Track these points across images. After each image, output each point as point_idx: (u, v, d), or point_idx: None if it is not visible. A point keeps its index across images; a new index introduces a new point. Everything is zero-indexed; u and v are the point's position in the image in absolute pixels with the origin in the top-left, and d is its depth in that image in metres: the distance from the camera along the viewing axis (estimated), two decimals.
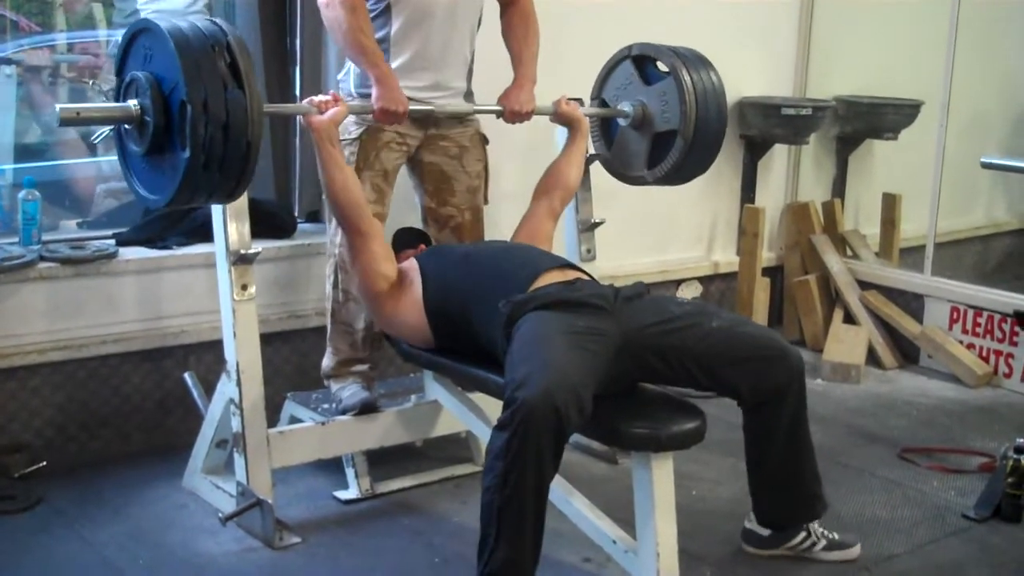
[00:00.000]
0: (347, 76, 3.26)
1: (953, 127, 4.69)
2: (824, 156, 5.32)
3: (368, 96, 3.07)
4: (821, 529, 2.93)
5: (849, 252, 5.11)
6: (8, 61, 3.81)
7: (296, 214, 3.89)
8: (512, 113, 3.26)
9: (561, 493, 2.72)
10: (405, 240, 3.29)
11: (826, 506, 2.95)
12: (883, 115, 5.19)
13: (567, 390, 2.40)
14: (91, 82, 3.97)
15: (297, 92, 3.79)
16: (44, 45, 4.00)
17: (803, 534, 2.91)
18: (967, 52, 4.69)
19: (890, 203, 5.21)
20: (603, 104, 3.55)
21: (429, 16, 3.15)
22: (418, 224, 3.43)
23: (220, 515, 2.98)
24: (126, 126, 2.58)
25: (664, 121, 3.39)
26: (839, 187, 5.31)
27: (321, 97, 2.90)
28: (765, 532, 2.95)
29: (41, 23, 4.01)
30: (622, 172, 3.57)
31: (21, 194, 3.38)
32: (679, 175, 3.47)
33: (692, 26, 4.65)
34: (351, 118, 3.18)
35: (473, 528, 3.00)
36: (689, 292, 4.81)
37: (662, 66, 3.42)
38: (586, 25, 4.28)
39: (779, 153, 5.12)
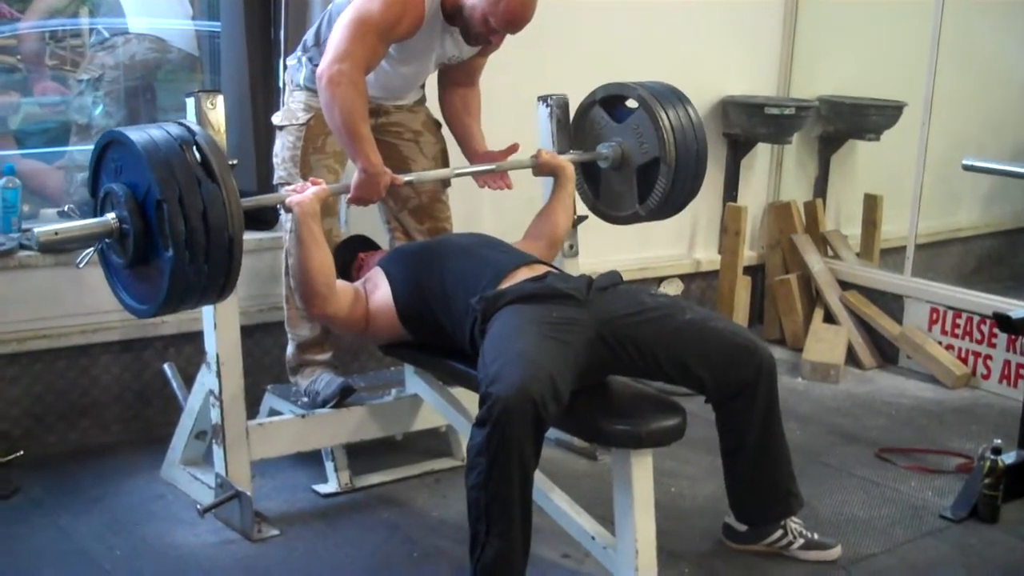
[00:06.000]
0: (299, 65, 3.25)
1: (935, 129, 4.70)
2: (807, 156, 5.33)
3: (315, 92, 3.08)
4: (799, 528, 2.94)
5: (830, 252, 5.12)
6: None
7: (278, 206, 3.87)
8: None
9: (541, 489, 2.72)
10: (355, 248, 3.28)
11: (802, 503, 2.95)
12: (866, 116, 5.20)
13: (541, 380, 2.42)
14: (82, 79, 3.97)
15: (280, 84, 3.78)
16: (23, 32, 3.98)
17: (780, 531, 2.92)
18: (950, 54, 4.70)
19: (871, 204, 5.23)
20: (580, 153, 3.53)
21: (411, 61, 3.17)
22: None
23: (198, 507, 2.98)
24: (107, 240, 2.55)
25: (643, 153, 3.38)
26: (821, 187, 5.33)
27: (298, 184, 2.93)
28: (742, 528, 2.96)
29: (21, 10, 3.97)
30: (615, 215, 3.56)
31: (1, 181, 3.36)
32: (672, 203, 3.46)
33: (677, 25, 4.67)
34: (300, 104, 3.21)
35: (452, 522, 3.03)
36: (671, 289, 4.82)
37: (631, 103, 3.42)
38: (570, 25, 4.28)
39: (762, 152, 5.13)
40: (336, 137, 3.03)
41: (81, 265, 2.69)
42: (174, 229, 2.40)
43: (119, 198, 2.48)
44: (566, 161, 3.37)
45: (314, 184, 2.89)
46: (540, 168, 3.35)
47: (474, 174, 3.33)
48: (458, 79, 3.39)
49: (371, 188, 2.96)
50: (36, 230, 2.48)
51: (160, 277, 2.48)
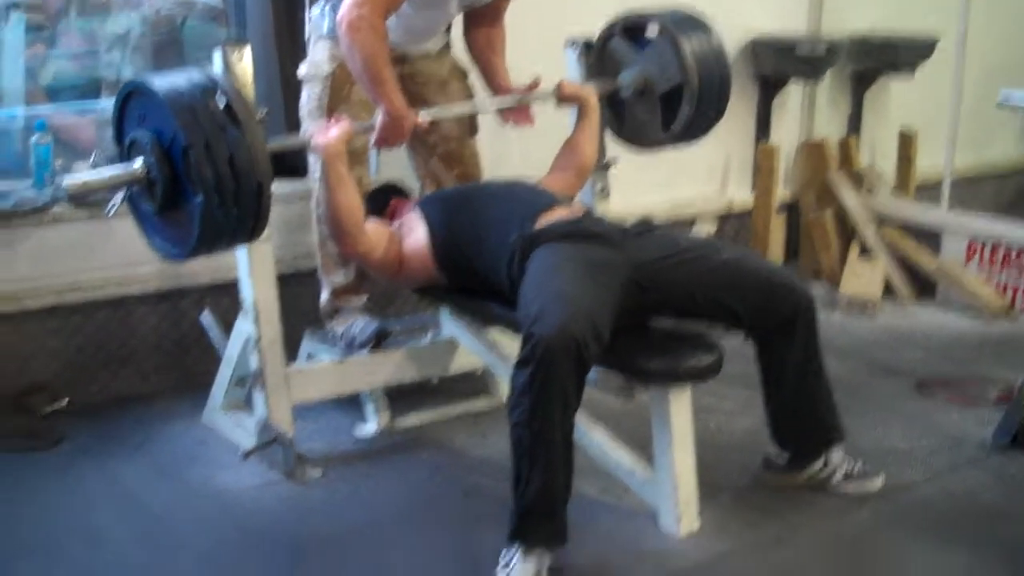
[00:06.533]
0: (322, 15, 3.22)
1: (969, 62, 4.63)
2: (839, 93, 5.26)
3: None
4: (840, 458, 2.92)
5: (865, 189, 5.06)
6: (16, 5, 3.79)
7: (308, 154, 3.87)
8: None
9: (580, 427, 2.72)
10: (387, 195, 3.26)
11: (843, 435, 2.93)
12: (898, 52, 5.13)
13: (582, 320, 2.43)
14: None
15: (307, 35, 3.76)
16: None
17: (820, 462, 2.91)
18: None
19: (906, 140, 5.17)
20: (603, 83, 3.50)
21: (432, 6, 3.15)
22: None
23: (242, 450, 3.01)
24: (135, 188, 2.55)
25: (666, 80, 3.35)
26: (855, 124, 5.26)
27: (323, 126, 2.90)
28: (783, 459, 2.96)
29: None
30: (640, 143, 3.54)
31: (33, 138, 3.38)
32: (696, 127, 3.42)
33: None
34: (324, 54, 3.18)
35: (493, 461, 3.05)
36: (704, 230, 4.80)
37: (651, 32, 3.39)
38: None
39: (793, 91, 5.06)
40: (358, 82, 3.01)
41: (110, 214, 2.70)
42: (202, 175, 2.40)
43: (144, 145, 2.48)
44: (588, 90, 3.34)
45: (339, 123, 2.87)
46: (563, 99, 3.31)
47: (497, 109, 3.32)
48: (482, 19, 3.36)
49: (395, 130, 2.95)
50: (64, 181, 2.50)
51: (190, 222, 2.49)
